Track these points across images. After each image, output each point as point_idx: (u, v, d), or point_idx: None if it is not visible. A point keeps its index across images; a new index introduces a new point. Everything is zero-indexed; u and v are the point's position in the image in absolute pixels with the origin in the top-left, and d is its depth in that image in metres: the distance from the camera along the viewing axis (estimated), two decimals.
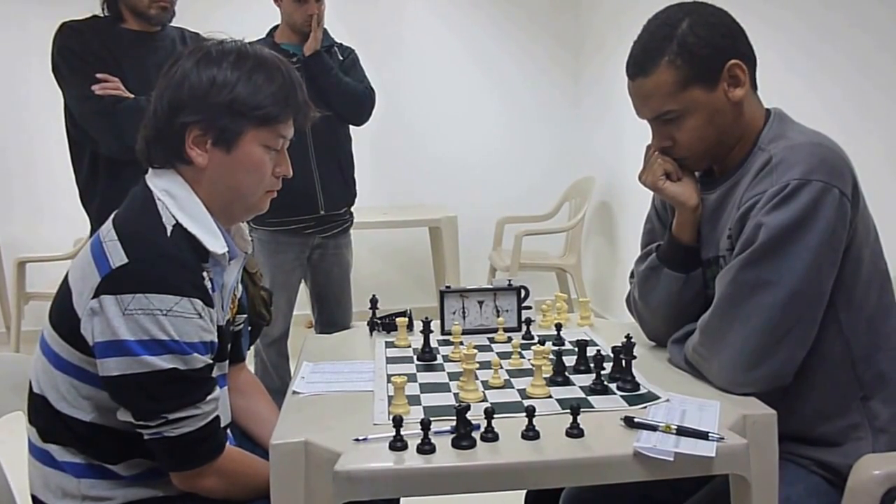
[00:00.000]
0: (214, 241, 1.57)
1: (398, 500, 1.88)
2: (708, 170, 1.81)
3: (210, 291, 1.55)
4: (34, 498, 1.62)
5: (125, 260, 1.46)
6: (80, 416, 1.54)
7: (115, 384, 1.46)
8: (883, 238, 1.70)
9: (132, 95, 2.55)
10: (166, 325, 1.44)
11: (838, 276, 1.57)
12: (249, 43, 1.63)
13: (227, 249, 1.60)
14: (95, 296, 1.45)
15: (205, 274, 1.55)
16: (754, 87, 1.71)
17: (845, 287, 1.59)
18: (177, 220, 1.54)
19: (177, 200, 1.57)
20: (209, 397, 1.51)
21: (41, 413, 1.58)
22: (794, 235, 1.51)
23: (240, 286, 1.85)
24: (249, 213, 1.68)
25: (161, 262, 1.49)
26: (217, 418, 1.55)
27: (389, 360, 1.85)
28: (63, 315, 1.52)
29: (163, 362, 1.44)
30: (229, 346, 1.76)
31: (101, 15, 2.68)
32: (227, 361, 1.74)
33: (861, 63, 2.85)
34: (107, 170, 2.62)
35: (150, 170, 1.62)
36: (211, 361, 1.53)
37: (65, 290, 1.54)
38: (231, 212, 1.64)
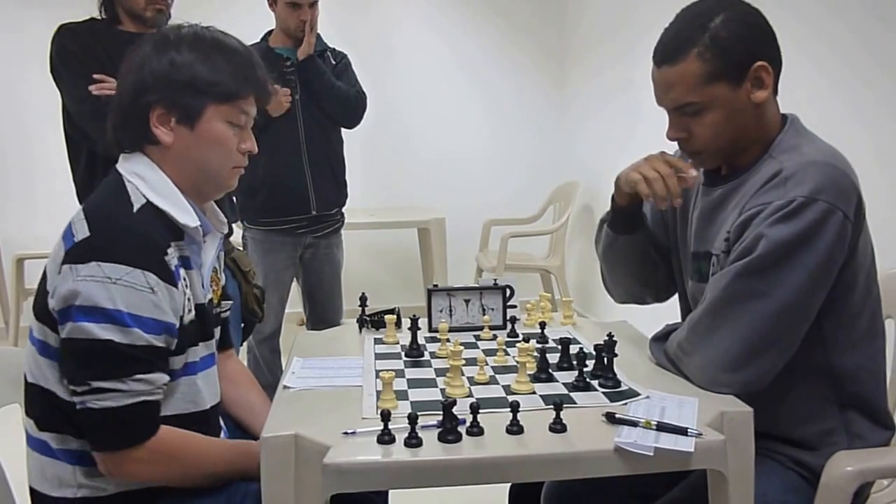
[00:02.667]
0: (185, 216, 1.60)
1: (387, 492, 1.91)
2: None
3: (174, 269, 1.56)
4: (32, 490, 1.63)
5: (87, 234, 1.50)
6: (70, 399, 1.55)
7: (64, 348, 1.49)
8: (875, 242, 1.70)
9: None
10: (113, 294, 1.45)
11: (830, 293, 1.58)
12: (206, 27, 1.68)
13: (198, 223, 1.62)
14: (60, 271, 1.49)
15: (171, 251, 1.56)
16: (776, 91, 1.70)
17: (835, 306, 1.61)
18: (147, 199, 1.58)
19: (146, 181, 1.60)
20: (140, 376, 1.48)
21: (36, 402, 1.60)
22: (793, 252, 1.52)
23: (223, 275, 1.87)
24: (219, 189, 1.71)
25: (119, 234, 1.52)
26: (148, 404, 1.51)
27: (378, 357, 1.87)
28: (40, 299, 1.55)
29: (101, 331, 1.44)
30: (219, 329, 1.79)
31: (99, 17, 2.70)
32: (214, 341, 1.76)
33: (855, 68, 2.88)
34: (103, 168, 2.61)
35: (121, 156, 1.66)
36: (158, 344, 1.51)
37: (42, 276, 1.57)
38: (200, 189, 1.67)
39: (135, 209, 1.56)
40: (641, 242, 1.93)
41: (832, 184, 1.54)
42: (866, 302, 1.66)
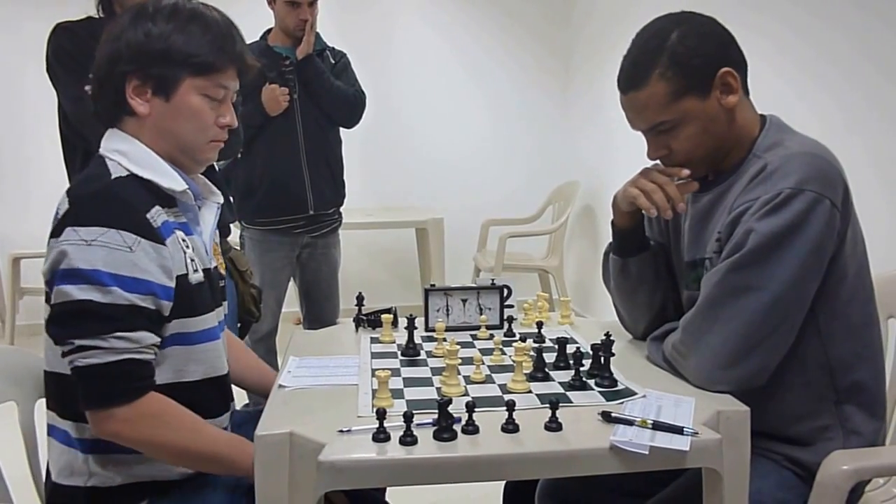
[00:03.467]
0: (170, 181, 1.61)
1: (384, 489, 1.91)
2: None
3: (161, 227, 1.56)
4: (55, 484, 1.63)
5: (67, 206, 1.52)
6: None
7: (49, 315, 1.50)
8: (867, 242, 1.71)
9: None
10: (89, 255, 1.45)
11: (822, 284, 1.59)
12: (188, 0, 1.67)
13: (186, 186, 1.63)
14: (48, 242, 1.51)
15: (155, 212, 1.56)
16: (746, 92, 1.72)
17: (828, 296, 1.61)
18: (130, 172, 1.58)
19: (127, 155, 1.60)
20: (121, 334, 1.47)
21: (53, 390, 1.61)
22: (783, 243, 1.53)
23: (222, 261, 1.87)
24: (196, 162, 1.71)
25: (96, 199, 1.53)
26: (134, 361, 1.49)
27: (374, 355, 1.86)
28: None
29: (79, 293, 1.45)
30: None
31: (96, 16, 2.70)
32: (223, 310, 1.79)
33: (846, 70, 2.88)
34: None
35: (103, 137, 1.66)
36: (142, 304, 1.49)
37: None
38: (178, 162, 1.67)
39: (112, 178, 1.57)
40: (652, 261, 1.90)
41: (818, 173, 1.55)
42: (858, 290, 1.66)
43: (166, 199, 1.62)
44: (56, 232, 1.50)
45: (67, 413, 1.60)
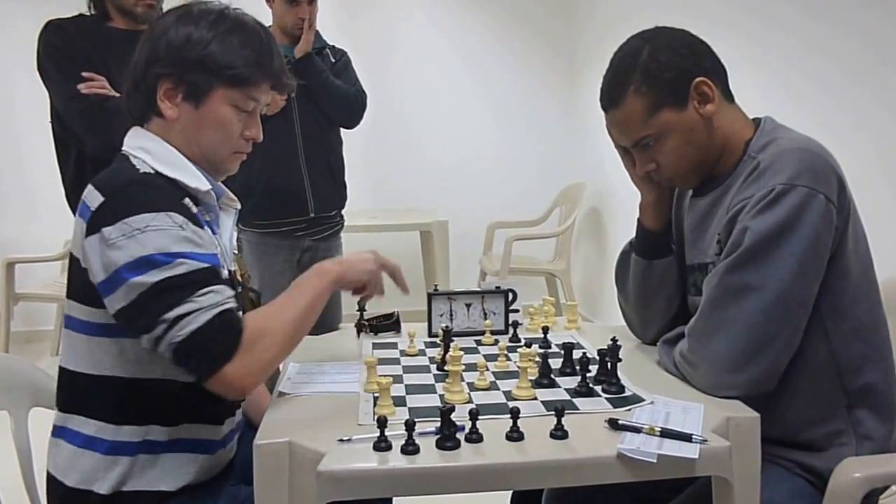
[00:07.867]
0: (195, 181, 1.62)
1: (391, 500, 1.88)
2: None
3: (197, 214, 1.59)
4: (68, 488, 1.59)
5: (102, 199, 1.50)
6: (113, 374, 1.55)
7: (124, 315, 1.47)
8: (874, 244, 1.69)
9: (118, 94, 2.53)
10: (146, 242, 1.44)
11: (825, 283, 1.58)
12: (234, 8, 1.68)
13: (210, 187, 1.64)
14: (88, 245, 1.49)
15: (188, 203, 1.58)
16: (730, 98, 1.74)
17: (832, 295, 1.60)
18: (155, 170, 1.59)
19: (153, 154, 1.61)
20: (206, 290, 1.46)
21: (69, 389, 1.59)
22: (779, 240, 1.52)
23: (237, 267, 1.86)
24: (217, 171, 1.71)
25: (133, 188, 1.53)
26: (226, 312, 1.47)
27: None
28: (73, 280, 1.56)
29: (152, 277, 1.43)
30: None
31: (88, 13, 2.68)
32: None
33: (848, 69, 2.86)
34: (93, 169, 2.59)
35: (127, 135, 1.67)
36: (203, 265, 1.48)
37: (71, 259, 1.58)
38: (199, 167, 1.66)
39: (140, 172, 1.57)
40: (675, 267, 1.89)
41: (809, 168, 1.55)
42: (864, 291, 1.65)
43: (191, 198, 1.62)
44: (99, 224, 1.48)
45: (70, 409, 1.58)
